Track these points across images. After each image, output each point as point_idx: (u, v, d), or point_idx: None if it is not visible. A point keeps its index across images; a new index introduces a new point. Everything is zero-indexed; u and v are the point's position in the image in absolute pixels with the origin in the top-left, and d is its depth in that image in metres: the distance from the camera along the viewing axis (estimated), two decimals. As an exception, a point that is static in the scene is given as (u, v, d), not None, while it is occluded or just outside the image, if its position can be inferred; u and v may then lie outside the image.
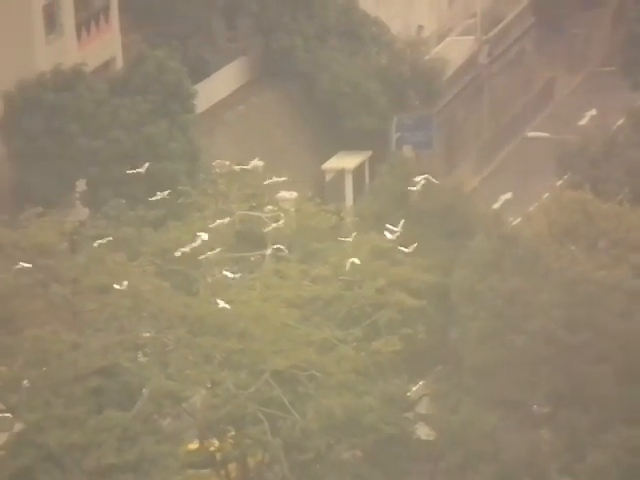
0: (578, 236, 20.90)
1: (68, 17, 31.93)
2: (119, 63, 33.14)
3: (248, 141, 34.17)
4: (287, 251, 21.84)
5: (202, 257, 20.77)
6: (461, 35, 41.64)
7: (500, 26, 42.43)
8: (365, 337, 20.68)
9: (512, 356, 20.34)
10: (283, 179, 22.77)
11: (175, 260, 21.35)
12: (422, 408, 21.94)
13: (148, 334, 20.23)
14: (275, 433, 19.65)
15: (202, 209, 22.78)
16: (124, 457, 18.68)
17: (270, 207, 22.68)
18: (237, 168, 23.21)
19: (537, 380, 20.34)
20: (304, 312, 20.74)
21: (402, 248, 20.81)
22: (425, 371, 22.53)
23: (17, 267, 19.71)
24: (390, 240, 21.16)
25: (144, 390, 19.48)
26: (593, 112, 33.27)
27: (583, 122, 32.85)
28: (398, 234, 20.99)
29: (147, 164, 23.82)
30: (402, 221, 21.07)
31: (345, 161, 35.85)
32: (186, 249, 20.80)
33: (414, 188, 22.35)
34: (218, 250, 20.78)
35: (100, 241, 20.70)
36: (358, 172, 35.88)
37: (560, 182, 28.47)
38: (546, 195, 24.69)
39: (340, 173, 35.76)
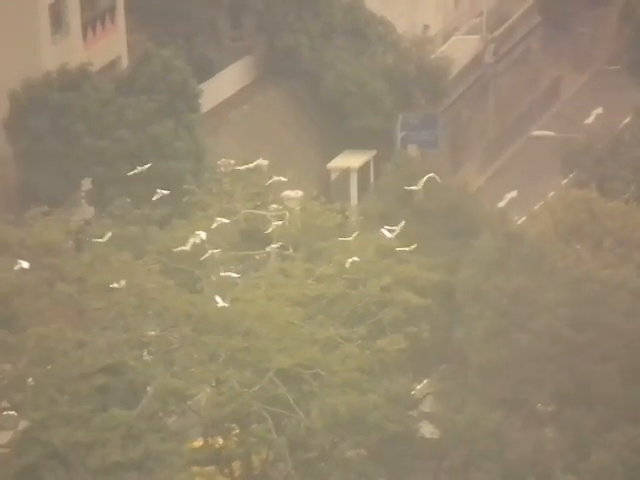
0: (583, 235, 20.88)
1: (74, 16, 31.97)
2: (125, 62, 33.19)
3: (253, 140, 34.19)
4: (292, 250, 21.85)
5: (204, 257, 20.75)
6: (467, 34, 41.57)
7: (506, 25, 42.36)
8: (370, 335, 20.69)
9: (517, 355, 20.32)
10: (284, 179, 22.73)
11: (180, 258, 21.38)
12: (426, 406, 21.92)
13: (153, 332, 20.27)
14: (280, 431, 19.68)
15: (207, 208, 22.80)
16: (129, 455, 18.73)
17: (275, 206, 22.69)
18: (242, 167, 23.20)
19: (542, 379, 20.32)
20: (309, 311, 20.76)
21: (402, 248, 20.72)
22: (430, 370, 22.52)
23: (17, 267, 19.70)
24: (390, 239, 21.09)
25: (149, 388, 19.52)
26: (599, 111, 33.19)
27: (589, 121, 32.76)
28: (397, 232, 20.92)
29: (148, 165, 23.79)
30: (402, 222, 21.01)
31: (350, 160, 35.83)
32: (186, 247, 20.82)
33: (414, 187, 22.31)
34: (219, 250, 20.75)
35: (99, 239, 20.67)
36: (363, 171, 35.86)
37: (565, 181, 28.43)
38: (551, 194, 24.64)
39: (345, 172, 35.74)
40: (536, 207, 23.58)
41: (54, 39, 31.51)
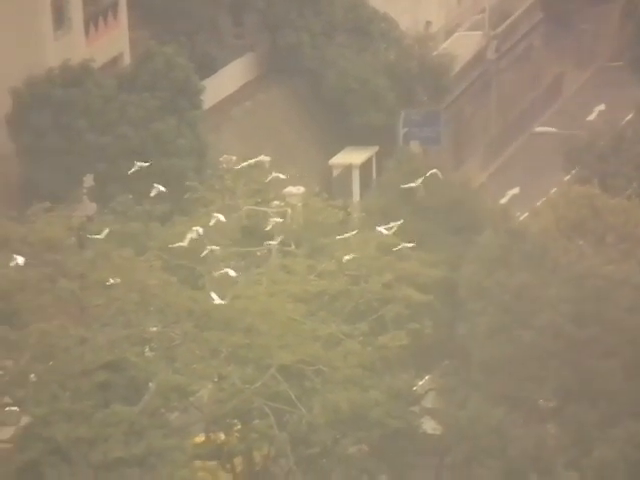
0: (586, 231, 20.85)
1: (76, 13, 31.94)
2: (127, 59, 33.14)
3: (255, 137, 34.16)
4: (294, 246, 21.82)
5: (204, 253, 20.75)
6: (469, 30, 41.52)
7: (508, 22, 42.28)
8: (372, 332, 20.66)
9: (520, 351, 20.31)
10: (282, 176, 22.72)
11: (182, 255, 21.38)
12: (429, 402, 21.90)
13: (155, 328, 20.24)
14: (281, 427, 19.66)
15: (209, 204, 22.78)
16: (131, 451, 18.71)
17: (277, 202, 22.67)
18: (244, 163, 23.19)
19: (545, 375, 20.31)
20: (310, 307, 20.72)
21: (402, 245, 20.71)
22: (432, 366, 22.50)
23: (12, 262, 19.69)
24: (388, 235, 21.05)
25: (151, 384, 19.50)
26: (602, 107, 33.15)
27: (591, 117, 32.74)
28: (393, 230, 20.88)
29: (148, 163, 23.75)
30: (400, 221, 20.97)
31: (352, 156, 35.80)
32: (184, 243, 20.81)
33: (413, 184, 22.29)
34: (217, 247, 20.74)
35: (97, 236, 20.67)
36: (365, 167, 35.82)
37: (568, 177, 28.39)
38: (554, 190, 24.62)
39: (347, 168, 35.70)
40: (538, 203, 23.59)
41: (56, 35, 31.48)
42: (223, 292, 20.49)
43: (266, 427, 19.49)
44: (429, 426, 21.48)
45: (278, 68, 36.76)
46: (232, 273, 20.10)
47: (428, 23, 40.15)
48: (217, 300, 19.41)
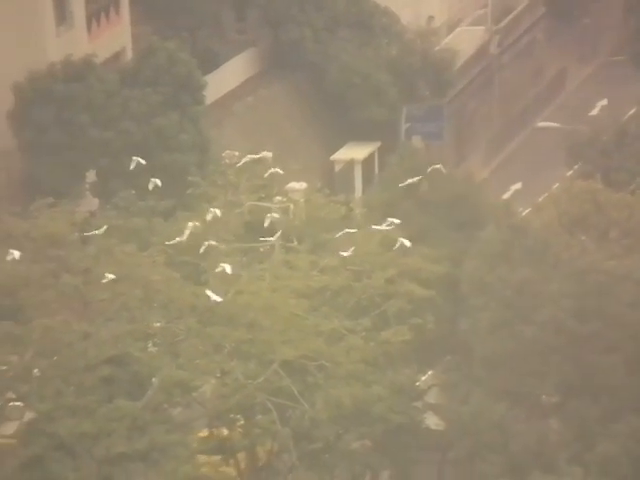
0: (588, 226, 20.84)
1: (78, 8, 31.91)
2: (129, 54, 33.11)
3: (257, 132, 34.15)
4: (296, 242, 21.85)
5: (202, 249, 20.76)
6: (471, 25, 41.44)
7: (511, 16, 42.20)
8: (374, 327, 20.66)
9: (522, 346, 20.32)
10: (280, 171, 22.73)
11: (185, 250, 21.39)
12: (431, 398, 21.94)
13: (158, 324, 20.27)
14: (284, 422, 19.68)
15: (211, 200, 22.80)
16: (134, 446, 18.75)
17: (279, 198, 22.68)
18: (246, 159, 23.20)
19: (547, 370, 20.32)
20: (313, 302, 20.73)
21: (401, 242, 20.71)
22: (434, 361, 22.53)
23: (9, 257, 19.73)
24: (396, 233, 21.09)
25: (154, 379, 19.55)
26: (604, 102, 33.09)
27: (594, 112, 32.65)
28: (393, 227, 20.88)
29: (143, 160, 23.77)
30: (398, 221, 20.97)
31: (354, 152, 35.76)
32: (182, 238, 20.82)
33: (413, 180, 22.28)
34: (215, 242, 20.77)
35: (96, 231, 20.69)
36: (367, 163, 35.78)
37: (570, 172, 28.37)
38: (556, 185, 24.62)
39: (349, 164, 35.67)
40: (541, 199, 23.55)
41: (59, 31, 31.47)
42: (225, 288, 20.53)
43: (269, 422, 19.52)
44: (432, 421, 21.51)
45: (280, 63, 36.73)
46: (228, 269, 20.07)
47: (430, 18, 40.08)
48: (213, 297, 19.38)
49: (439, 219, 23.16)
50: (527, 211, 22.94)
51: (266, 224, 21.54)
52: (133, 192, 23.96)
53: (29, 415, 19.47)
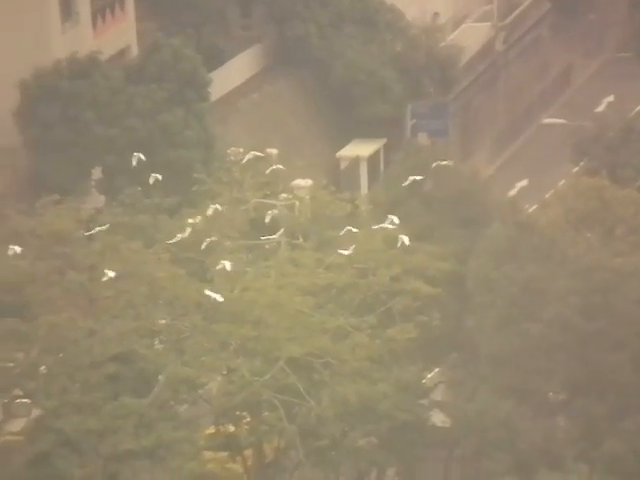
0: (595, 223, 20.80)
1: (84, 5, 31.90)
2: (134, 51, 33.09)
3: (262, 129, 34.13)
4: (302, 239, 21.83)
5: (204, 246, 20.77)
6: (477, 22, 41.33)
7: (516, 13, 42.09)
8: (380, 324, 20.65)
9: (528, 344, 20.30)
10: (282, 167, 22.71)
11: (190, 247, 21.39)
12: (437, 395, 21.92)
13: (164, 321, 20.28)
14: (290, 420, 19.67)
15: (217, 197, 22.79)
16: (141, 443, 18.79)
17: (285, 195, 22.66)
18: (251, 156, 23.19)
19: (553, 368, 20.30)
20: (319, 300, 20.73)
21: (403, 237, 20.71)
22: (440, 358, 22.50)
23: (10, 251, 19.76)
24: (401, 230, 21.08)
25: (160, 377, 19.55)
26: (610, 98, 33.00)
27: (600, 108, 32.59)
28: (394, 225, 20.88)
29: (143, 156, 23.83)
30: (397, 219, 20.95)
31: (360, 149, 35.70)
32: (184, 235, 20.83)
33: (418, 177, 22.26)
34: (216, 238, 20.76)
35: (98, 228, 20.69)
36: (373, 160, 35.73)
37: (576, 169, 28.30)
38: (562, 182, 24.55)
39: (355, 161, 35.63)
40: (547, 195, 23.52)
41: (64, 27, 31.46)
42: (231, 285, 20.53)
43: (275, 420, 19.51)
44: (438, 419, 21.49)
45: (285, 60, 36.67)
46: (228, 266, 20.06)
47: (435, 14, 39.99)
48: (213, 296, 19.37)
49: (445, 216, 23.12)
50: (533, 208, 22.91)
51: (267, 220, 21.46)
52: (139, 189, 23.95)
53: (36, 412, 19.50)
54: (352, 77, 35.87)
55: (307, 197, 22.92)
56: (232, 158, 24.11)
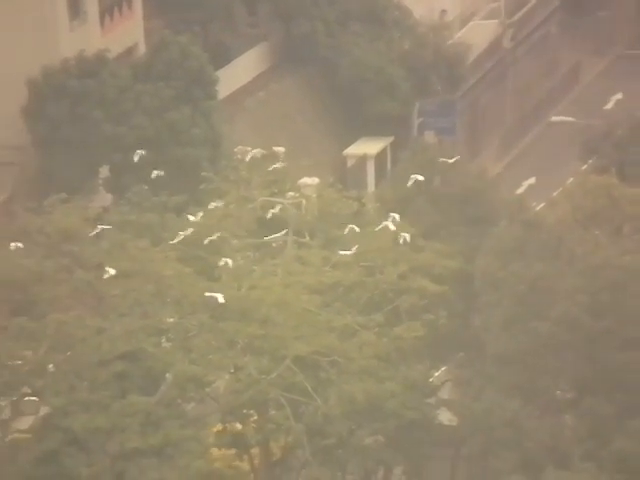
0: (603, 221, 20.73)
1: (92, 4, 31.96)
2: (142, 49, 33.15)
3: (269, 127, 34.13)
4: (308, 237, 21.83)
5: (207, 241, 20.79)
6: (485, 19, 41.24)
7: (524, 10, 41.98)
8: (387, 323, 20.64)
9: (535, 343, 20.24)
10: (282, 164, 22.69)
11: (197, 245, 21.42)
12: (444, 394, 21.90)
13: (171, 319, 20.32)
14: (297, 418, 19.69)
15: (224, 195, 22.81)
16: (148, 441, 18.83)
17: (292, 193, 22.66)
18: (251, 154, 23.20)
19: (561, 366, 20.24)
20: (325, 298, 20.72)
21: (404, 235, 20.70)
22: (447, 357, 22.49)
23: (12, 247, 19.85)
24: (399, 226, 21.04)
25: (168, 375, 19.60)
26: (619, 96, 32.86)
27: (609, 106, 32.44)
28: (396, 223, 20.87)
29: (142, 152, 23.89)
30: (397, 216, 20.93)
31: (367, 147, 35.69)
32: (187, 233, 20.89)
33: (419, 177, 22.23)
34: (217, 235, 20.77)
35: (103, 226, 20.74)
36: (380, 158, 35.73)
37: (585, 167, 28.21)
38: (570, 180, 24.47)
39: (362, 159, 35.61)
40: (555, 193, 23.45)
41: (72, 26, 31.51)
42: (238, 283, 20.54)
43: (282, 418, 19.55)
44: (445, 417, 21.47)
45: (292, 58, 36.65)
46: (230, 263, 20.02)
47: (443, 12, 39.91)
48: (212, 295, 19.40)
49: (452, 214, 23.09)
50: (541, 206, 22.83)
51: (269, 216, 21.42)
52: (146, 187, 24.00)
53: (44, 410, 19.56)
54: (359, 75, 35.82)
55: (314, 195, 22.92)
56: (239, 156, 24.13)
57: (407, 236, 20.79)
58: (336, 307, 20.75)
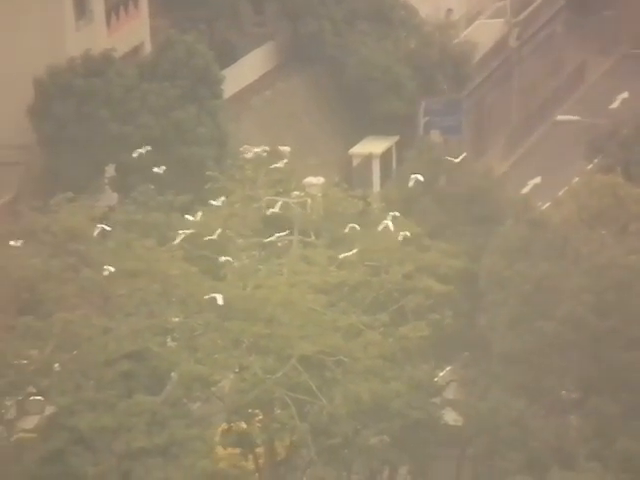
0: (608, 220, 20.69)
1: (98, 3, 32.00)
2: (148, 48, 33.21)
3: (275, 126, 34.14)
4: (313, 236, 21.84)
5: (207, 238, 20.87)
6: (490, 18, 41.19)
7: (530, 9, 41.90)
8: (392, 322, 20.65)
9: (541, 342, 20.22)
10: (281, 165, 22.68)
11: (203, 245, 21.46)
12: (450, 393, 21.89)
13: (177, 319, 20.36)
14: (302, 418, 19.70)
15: (229, 194, 22.83)
16: (154, 440, 18.86)
17: (297, 193, 22.68)
18: (251, 154, 23.22)
19: (566, 366, 20.23)
20: (331, 298, 20.74)
21: (404, 233, 20.70)
22: (453, 357, 22.48)
23: (11, 244, 19.97)
24: (412, 227, 21.06)
25: (173, 374, 19.64)
26: (625, 95, 32.77)
27: (614, 105, 32.35)
28: (395, 220, 20.87)
29: (148, 148, 23.98)
30: (397, 213, 20.88)
31: (372, 146, 35.68)
32: (188, 232, 20.92)
33: (419, 177, 22.20)
34: (217, 233, 20.80)
35: (102, 225, 20.81)
36: (385, 157, 35.71)
37: (590, 166, 28.15)
38: (576, 179, 24.43)
39: (367, 158, 35.60)
40: (560, 193, 23.42)
41: (78, 25, 31.57)
42: (243, 282, 20.56)
43: (287, 417, 19.56)
44: (450, 417, 21.47)
45: (299, 57, 36.64)
46: (230, 261, 20.05)
47: (449, 11, 39.87)
48: (213, 296, 19.43)
49: (457, 214, 23.07)
50: (546, 205, 22.79)
51: (268, 213, 21.44)
52: (152, 187, 24.04)
53: (50, 409, 19.60)
54: (366, 74, 35.80)
55: (319, 195, 22.93)
56: (246, 155, 24.15)
57: (407, 234, 20.73)
58: (341, 307, 20.76)
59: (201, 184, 24.31)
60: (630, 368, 20.06)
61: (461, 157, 23.02)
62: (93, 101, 30.29)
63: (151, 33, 33.43)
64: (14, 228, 21.67)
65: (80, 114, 30.33)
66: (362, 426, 20.51)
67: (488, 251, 21.50)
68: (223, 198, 21.96)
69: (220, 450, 20.73)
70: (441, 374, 22.50)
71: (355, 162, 35.66)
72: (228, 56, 34.67)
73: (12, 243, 20.19)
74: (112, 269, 19.75)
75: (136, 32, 33.20)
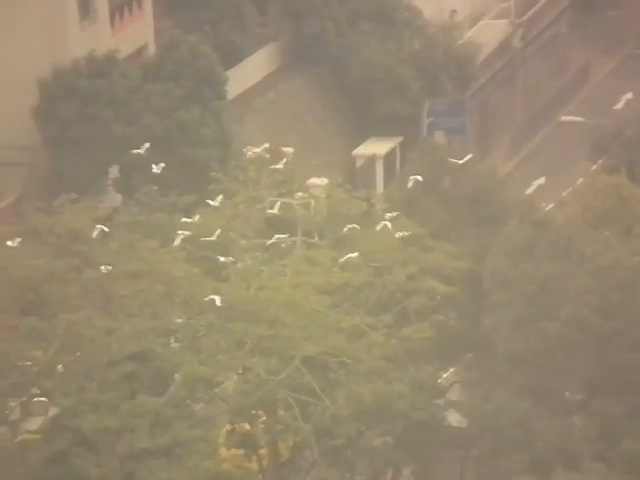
0: (612, 221, 20.66)
1: (102, 3, 32.01)
2: (152, 49, 33.20)
3: (278, 127, 34.14)
4: (317, 237, 21.83)
5: (207, 239, 20.89)
6: (494, 19, 41.15)
7: (534, 9, 41.86)
8: (395, 324, 20.65)
9: (545, 343, 20.20)
10: (280, 166, 22.67)
11: (206, 246, 21.47)
12: (453, 395, 21.86)
13: (180, 320, 20.36)
14: (306, 419, 19.71)
15: (233, 195, 22.83)
16: (157, 442, 18.87)
17: (300, 194, 22.67)
18: (251, 153, 23.21)
19: (570, 367, 20.20)
20: (334, 299, 20.74)
21: (401, 233, 20.67)
22: (456, 358, 22.46)
23: (15, 245, 20.02)
24: (415, 227, 21.04)
25: (176, 375, 19.65)
26: (629, 96, 32.70)
27: (619, 106, 32.30)
28: (394, 219, 20.84)
29: (147, 145, 24.02)
30: (396, 214, 20.85)
31: (376, 147, 35.66)
32: (188, 232, 20.93)
33: (418, 177, 22.17)
34: (216, 234, 20.82)
35: (101, 226, 20.79)
36: (389, 158, 35.68)
37: (595, 167, 28.12)
38: (580, 180, 24.40)
39: (371, 159, 35.58)
40: (564, 194, 23.38)
41: (82, 26, 31.60)
42: (247, 283, 20.56)
43: (291, 419, 19.56)
44: (454, 419, 21.44)
45: (302, 57, 36.64)
46: (230, 260, 20.04)
47: (453, 11, 39.84)
48: (212, 297, 19.39)
49: (461, 214, 23.05)
50: (551, 206, 22.77)
51: (268, 213, 21.41)
52: (155, 188, 24.05)
53: (53, 410, 19.61)
54: (369, 75, 35.77)
55: (323, 195, 22.92)
56: (250, 155, 24.14)
57: (405, 233, 20.69)
58: (345, 308, 20.76)
59: (205, 185, 24.32)
60: (634, 369, 20.03)
61: (467, 158, 22.93)
62: (97, 102, 30.28)
63: (155, 34, 33.44)
64: (18, 229, 21.69)
65: (84, 115, 30.35)
66: (365, 427, 20.54)
67: (492, 252, 21.48)
68: (220, 197, 21.91)
69: (224, 451, 20.72)
70: (445, 375, 22.48)
71: (359, 163, 35.61)
72: (232, 57, 34.67)
73: (15, 244, 20.17)
74: (109, 267, 19.68)
75: (140, 33, 33.20)
